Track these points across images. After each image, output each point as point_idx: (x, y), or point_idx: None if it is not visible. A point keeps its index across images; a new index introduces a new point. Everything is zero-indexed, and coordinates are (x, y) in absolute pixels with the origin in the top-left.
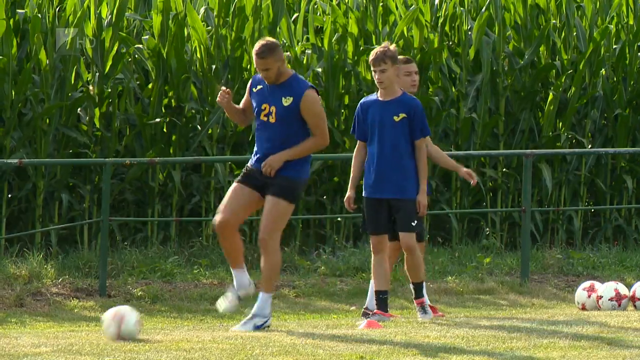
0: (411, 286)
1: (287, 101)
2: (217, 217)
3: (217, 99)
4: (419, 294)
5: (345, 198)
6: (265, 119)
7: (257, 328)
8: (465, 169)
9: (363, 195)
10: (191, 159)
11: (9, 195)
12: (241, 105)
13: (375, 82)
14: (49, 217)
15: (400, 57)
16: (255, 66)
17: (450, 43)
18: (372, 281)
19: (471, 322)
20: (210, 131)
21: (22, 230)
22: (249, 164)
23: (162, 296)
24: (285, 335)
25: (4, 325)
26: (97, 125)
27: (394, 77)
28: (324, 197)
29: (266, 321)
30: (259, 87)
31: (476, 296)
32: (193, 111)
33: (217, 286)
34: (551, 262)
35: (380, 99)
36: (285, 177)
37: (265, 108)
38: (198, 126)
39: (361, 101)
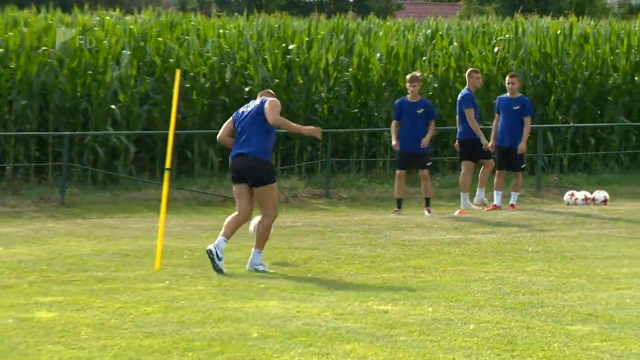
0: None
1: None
2: None
3: None
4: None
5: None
6: None
7: None
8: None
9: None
10: (371, 129)
11: (281, 148)
12: None
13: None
14: (301, 158)
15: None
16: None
17: (502, 72)
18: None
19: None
20: (380, 115)
21: (288, 164)
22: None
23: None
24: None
25: (278, 212)
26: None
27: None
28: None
29: None
30: None
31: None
32: (372, 105)
33: (384, 193)
34: (551, 182)
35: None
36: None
37: None
38: (375, 113)
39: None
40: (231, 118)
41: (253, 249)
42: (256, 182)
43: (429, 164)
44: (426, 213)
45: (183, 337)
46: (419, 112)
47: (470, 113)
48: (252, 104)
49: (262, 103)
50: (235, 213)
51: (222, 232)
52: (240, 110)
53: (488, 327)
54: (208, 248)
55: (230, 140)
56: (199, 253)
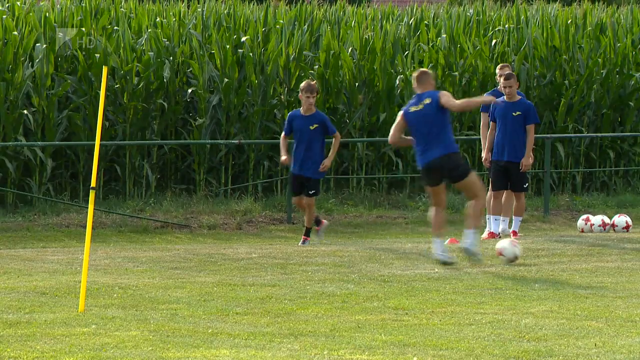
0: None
1: None
2: None
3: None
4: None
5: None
6: None
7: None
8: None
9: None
10: (342, 140)
11: (232, 162)
12: None
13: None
14: (257, 175)
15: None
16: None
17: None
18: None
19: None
20: (354, 123)
21: (241, 183)
22: None
23: None
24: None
25: (229, 241)
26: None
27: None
28: None
29: None
30: None
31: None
32: (343, 110)
33: (358, 217)
34: (562, 203)
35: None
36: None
37: None
38: (347, 120)
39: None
40: (401, 117)
41: (470, 230)
42: (459, 177)
43: (312, 191)
44: (300, 243)
45: None
46: (312, 127)
47: (482, 119)
48: (422, 102)
49: (435, 99)
50: (435, 209)
51: (435, 234)
52: (410, 109)
53: None
54: (466, 247)
55: (405, 140)
56: (132, 291)
